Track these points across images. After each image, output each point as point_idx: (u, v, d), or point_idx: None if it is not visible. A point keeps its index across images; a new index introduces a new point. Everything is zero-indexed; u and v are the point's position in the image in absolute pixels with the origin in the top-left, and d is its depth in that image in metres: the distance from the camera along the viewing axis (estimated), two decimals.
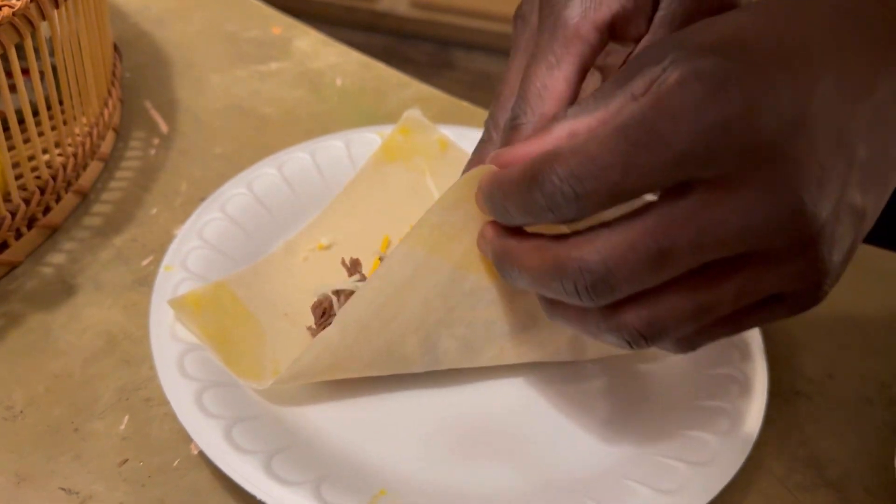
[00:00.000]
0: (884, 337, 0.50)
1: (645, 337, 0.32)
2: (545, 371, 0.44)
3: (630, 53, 0.38)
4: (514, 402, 0.43)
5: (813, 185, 0.28)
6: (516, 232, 0.35)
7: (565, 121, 0.33)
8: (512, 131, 0.36)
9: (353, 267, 0.47)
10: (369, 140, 0.55)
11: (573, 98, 0.36)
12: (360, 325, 0.39)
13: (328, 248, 0.49)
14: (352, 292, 0.44)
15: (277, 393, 0.41)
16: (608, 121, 0.31)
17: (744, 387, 0.43)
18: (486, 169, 0.35)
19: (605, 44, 0.36)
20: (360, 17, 2.05)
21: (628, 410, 0.43)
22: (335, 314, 0.43)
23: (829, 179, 0.28)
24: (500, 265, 0.35)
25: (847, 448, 0.45)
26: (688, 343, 0.33)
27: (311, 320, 0.45)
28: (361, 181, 0.52)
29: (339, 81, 0.64)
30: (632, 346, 0.32)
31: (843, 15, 0.31)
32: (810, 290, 0.31)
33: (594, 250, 0.30)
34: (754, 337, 0.45)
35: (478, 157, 0.39)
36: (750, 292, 0.31)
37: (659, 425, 0.42)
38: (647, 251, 0.29)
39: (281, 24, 0.70)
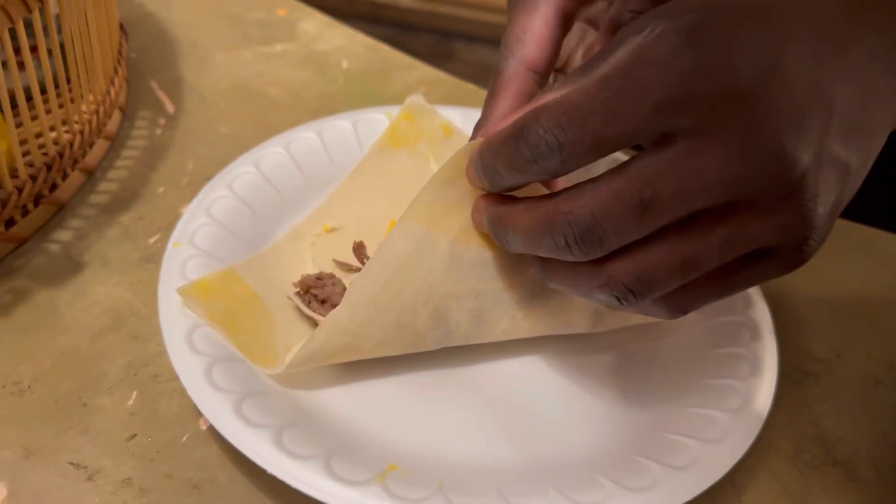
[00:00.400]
0: (891, 318, 0.50)
1: (633, 291, 0.32)
2: (556, 348, 0.44)
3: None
4: (524, 379, 0.43)
5: (793, 129, 0.28)
6: (508, 198, 0.36)
7: (551, 91, 0.33)
8: (495, 77, 0.37)
9: (359, 250, 0.47)
10: (376, 120, 0.55)
11: (553, 39, 0.37)
12: (368, 300, 0.39)
13: (335, 230, 0.49)
14: (331, 275, 0.45)
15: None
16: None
17: (754, 366, 0.43)
18: (476, 144, 0.35)
19: None
20: (361, 9, 2.04)
21: (638, 388, 0.43)
22: (318, 293, 0.43)
23: (808, 125, 0.29)
24: (496, 231, 0.36)
25: (855, 427, 0.45)
26: (678, 304, 0.33)
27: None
28: (366, 167, 0.52)
29: (344, 63, 0.64)
30: (621, 303, 0.33)
31: None
32: (796, 244, 0.31)
33: (581, 203, 0.31)
34: (764, 317, 0.45)
35: (475, 136, 0.39)
36: (736, 243, 0.31)
37: (669, 403, 0.42)
38: (632, 199, 0.29)
39: (286, 7, 0.70)
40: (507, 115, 0.37)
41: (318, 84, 0.62)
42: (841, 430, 0.44)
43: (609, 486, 0.37)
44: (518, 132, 0.31)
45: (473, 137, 0.39)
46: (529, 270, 0.40)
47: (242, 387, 0.39)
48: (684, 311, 0.34)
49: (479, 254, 0.39)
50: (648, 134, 0.29)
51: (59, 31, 0.48)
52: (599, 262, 0.32)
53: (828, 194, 0.30)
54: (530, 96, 0.38)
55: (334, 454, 0.37)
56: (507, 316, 0.41)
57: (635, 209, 0.30)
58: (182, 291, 0.42)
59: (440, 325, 0.40)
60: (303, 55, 0.65)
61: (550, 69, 0.39)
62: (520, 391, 0.43)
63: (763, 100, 0.28)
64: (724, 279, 0.32)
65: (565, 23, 0.39)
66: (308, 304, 0.44)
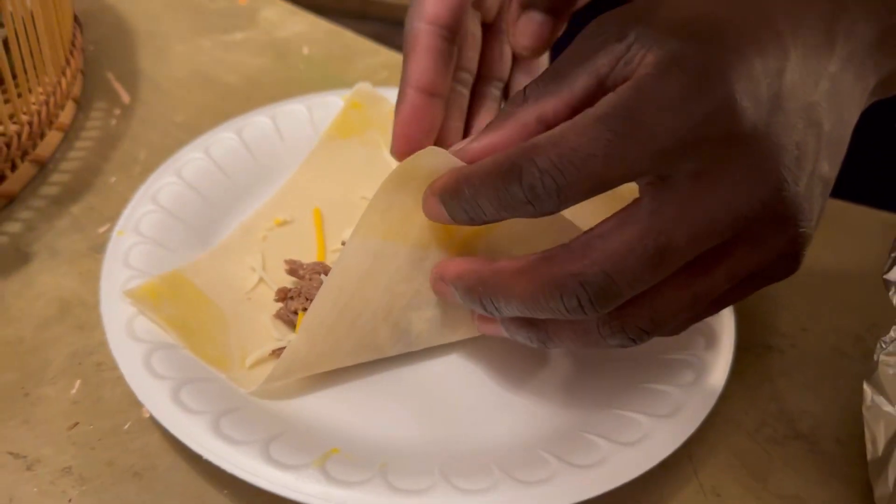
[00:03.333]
0: (858, 290, 0.48)
1: (648, 332, 0.32)
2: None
3: None
4: (475, 362, 0.42)
5: (792, 164, 0.29)
6: (487, 262, 0.34)
7: (528, 105, 0.32)
8: (404, 39, 0.37)
9: (293, 269, 0.44)
10: (332, 103, 0.54)
11: None
12: (326, 330, 0.38)
13: (287, 223, 0.48)
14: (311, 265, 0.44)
15: None
16: (578, 104, 0.31)
17: (710, 340, 0.42)
18: (435, 150, 0.34)
19: None
20: (349, 5, 2.03)
21: (593, 367, 0.42)
22: (300, 296, 0.42)
23: (804, 156, 0.29)
24: (482, 299, 0.34)
25: (820, 401, 0.44)
26: (681, 327, 0.34)
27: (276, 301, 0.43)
28: (317, 157, 0.51)
29: (305, 50, 0.63)
30: (634, 343, 0.33)
31: None
32: (791, 260, 0.32)
33: (592, 262, 0.29)
34: None
35: (403, 118, 0.39)
36: (739, 273, 0.31)
37: (623, 380, 0.41)
38: (646, 252, 0.29)
39: None
40: (421, 76, 0.37)
41: (278, 70, 0.61)
42: (804, 403, 0.43)
43: (555, 464, 0.36)
44: (510, 172, 0.30)
45: (400, 101, 0.38)
46: None
47: (182, 373, 0.38)
48: (683, 329, 0.34)
49: (438, 259, 0.38)
50: (651, 175, 0.29)
51: (2, 25, 0.47)
52: (611, 312, 0.32)
53: (815, 210, 0.31)
54: (441, 53, 0.37)
55: (275, 439, 0.36)
56: (468, 320, 0.40)
57: (651, 260, 0.29)
58: (130, 294, 0.41)
59: (401, 339, 0.40)
60: (263, 42, 0.64)
61: (458, 22, 0.38)
62: (470, 374, 0.42)
63: (765, 138, 0.28)
64: (723, 300, 0.33)
65: None
66: (295, 313, 0.42)
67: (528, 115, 0.32)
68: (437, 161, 0.34)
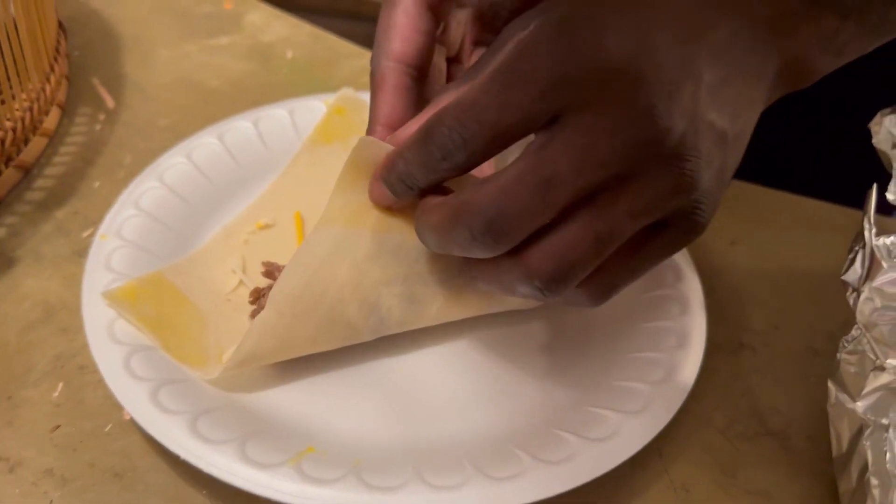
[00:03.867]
0: (830, 288, 0.49)
1: (554, 278, 0.32)
2: (485, 327, 0.44)
3: None
4: (449, 359, 0.43)
5: (664, 98, 0.30)
6: (426, 195, 0.36)
7: (449, 92, 0.36)
8: (371, 76, 0.39)
9: (269, 271, 0.45)
10: (314, 108, 0.54)
11: (419, 29, 0.39)
12: (293, 300, 0.38)
13: (269, 227, 0.48)
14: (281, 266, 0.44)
15: None
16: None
17: (681, 338, 0.43)
18: (368, 140, 0.37)
19: None
20: (342, 6, 2.04)
21: (564, 364, 0.43)
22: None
23: (678, 95, 0.30)
24: (417, 229, 0.36)
25: (791, 398, 0.44)
26: (598, 289, 0.34)
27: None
28: (300, 162, 0.52)
29: (289, 53, 0.64)
30: (545, 294, 0.33)
31: None
32: (689, 210, 0.32)
33: (484, 192, 0.32)
34: (694, 290, 0.45)
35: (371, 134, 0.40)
36: (637, 212, 0.31)
37: (594, 378, 0.42)
38: (532, 181, 0.30)
39: None
40: (389, 113, 0.38)
41: (262, 74, 0.62)
42: (775, 400, 0.44)
43: (527, 460, 0.37)
44: (425, 135, 0.33)
45: (373, 136, 0.39)
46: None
47: (161, 374, 0.39)
48: (605, 296, 0.34)
49: (402, 238, 0.39)
50: (541, 119, 0.31)
51: None
52: (516, 253, 0.32)
53: (711, 160, 0.31)
54: (408, 90, 0.39)
55: (251, 438, 0.37)
56: (439, 296, 0.41)
57: (537, 188, 0.30)
58: (108, 296, 0.41)
59: (372, 314, 0.40)
60: (247, 46, 0.65)
61: (424, 61, 0.40)
62: (444, 371, 0.43)
63: (634, 73, 0.30)
64: (633, 256, 0.33)
65: (431, 12, 0.40)
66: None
67: (447, 98, 0.35)
68: (377, 151, 0.36)
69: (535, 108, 0.30)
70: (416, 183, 0.35)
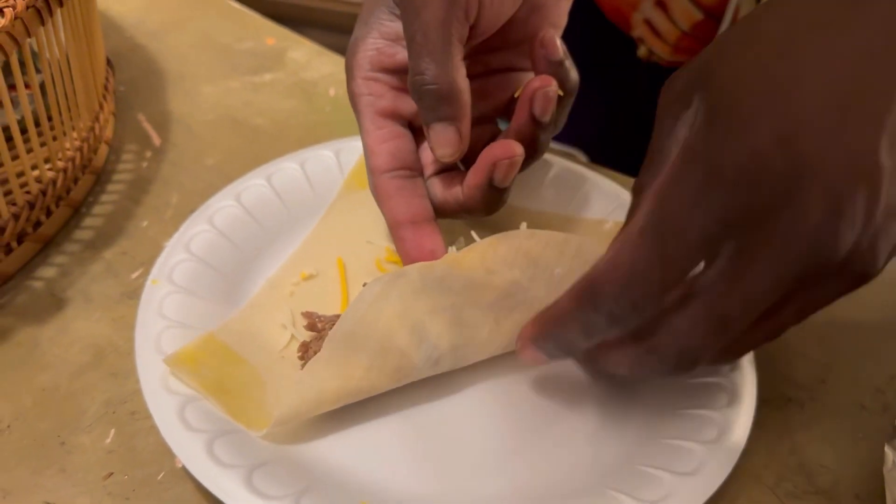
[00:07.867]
0: (878, 342, 0.49)
1: (722, 363, 0.39)
2: (535, 379, 0.44)
3: None
4: (501, 411, 0.43)
5: (828, 221, 0.30)
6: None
7: (648, 192, 0.35)
8: (372, 193, 0.44)
9: (311, 323, 0.45)
10: (359, 149, 0.55)
11: (388, 137, 0.43)
12: (345, 336, 0.39)
13: (313, 277, 0.48)
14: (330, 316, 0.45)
15: None
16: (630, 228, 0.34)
17: (732, 396, 0.42)
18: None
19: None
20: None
21: (615, 419, 0.43)
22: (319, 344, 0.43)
23: (847, 209, 0.30)
24: (598, 370, 0.39)
25: (839, 455, 0.44)
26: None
27: None
28: (336, 210, 0.52)
29: (332, 91, 0.65)
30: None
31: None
32: (856, 285, 0.33)
33: (664, 342, 0.34)
34: None
35: (408, 253, 0.44)
36: (809, 311, 0.34)
37: (646, 434, 0.42)
38: (709, 324, 0.33)
39: (275, 35, 0.70)
40: (406, 212, 0.42)
41: (305, 113, 0.63)
42: (823, 457, 0.44)
43: None
44: (584, 306, 0.35)
45: (397, 240, 0.43)
46: (501, 275, 0.41)
47: (215, 425, 0.39)
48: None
49: (445, 271, 0.40)
50: (705, 259, 0.32)
51: (39, 70, 0.48)
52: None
53: (888, 242, 0.32)
54: (409, 188, 0.43)
55: (305, 493, 0.37)
56: (488, 319, 0.41)
57: (716, 329, 0.33)
58: (169, 362, 0.41)
59: (423, 340, 0.40)
60: (290, 83, 0.65)
61: (407, 154, 0.43)
62: (496, 423, 0.42)
63: (791, 206, 0.30)
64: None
65: (394, 117, 0.43)
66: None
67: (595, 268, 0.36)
68: None
69: (695, 258, 0.32)
70: (578, 348, 0.37)
